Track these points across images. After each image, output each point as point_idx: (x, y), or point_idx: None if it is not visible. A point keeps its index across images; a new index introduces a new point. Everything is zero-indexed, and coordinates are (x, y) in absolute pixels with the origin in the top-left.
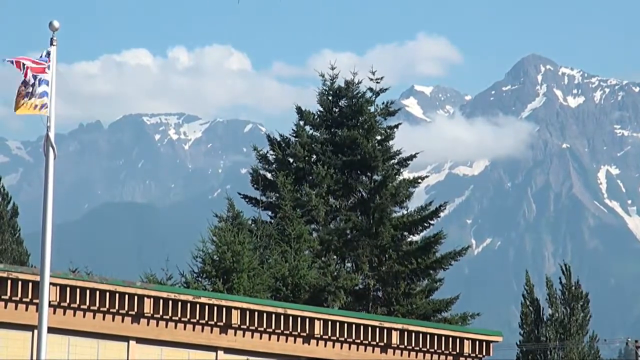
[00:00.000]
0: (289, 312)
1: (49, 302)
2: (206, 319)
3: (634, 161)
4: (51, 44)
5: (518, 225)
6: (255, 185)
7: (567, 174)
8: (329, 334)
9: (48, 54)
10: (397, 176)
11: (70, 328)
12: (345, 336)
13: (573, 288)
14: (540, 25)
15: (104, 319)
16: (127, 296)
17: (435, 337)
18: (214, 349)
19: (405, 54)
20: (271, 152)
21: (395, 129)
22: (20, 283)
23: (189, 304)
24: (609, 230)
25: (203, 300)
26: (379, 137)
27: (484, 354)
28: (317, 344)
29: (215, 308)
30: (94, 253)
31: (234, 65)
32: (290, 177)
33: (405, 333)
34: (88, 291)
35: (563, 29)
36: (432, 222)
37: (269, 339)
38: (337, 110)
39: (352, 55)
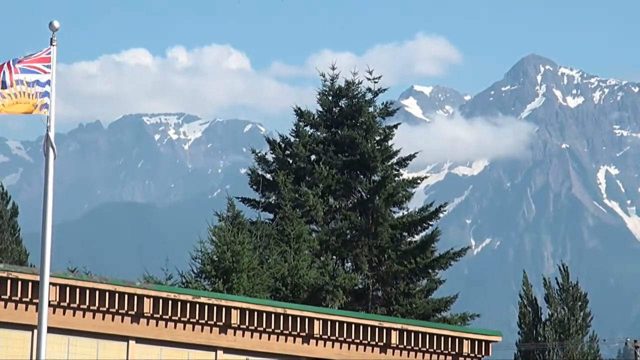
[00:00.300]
0: (289, 312)
1: (49, 301)
2: (206, 318)
3: (633, 161)
4: (51, 44)
5: (517, 225)
6: (254, 187)
7: (566, 174)
8: (329, 334)
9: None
10: (396, 177)
11: (70, 328)
12: (345, 336)
13: (571, 288)
14: (539, 25)
15: (103, 318)
16: (126, 296)
17: (435, 337)
18: (214, 348)
19: (404, 54)
20: (270, 152)
21: (394, 129)
22: (20, 283)
23: (188, 304)
24: (608, 230)
25: (203, 300)
26: (378, 137)
27: (483, 354)
28: (317, 344)
29: (215, 308)
30: (94, 253)
31: (233, 65)
32: (291, 177)
33: (405, 333)
34: (88, 291)
35: (562, 29)
36: (431, 222)
37: (269, 339)
38: (337, 110)
39: (351, 55)
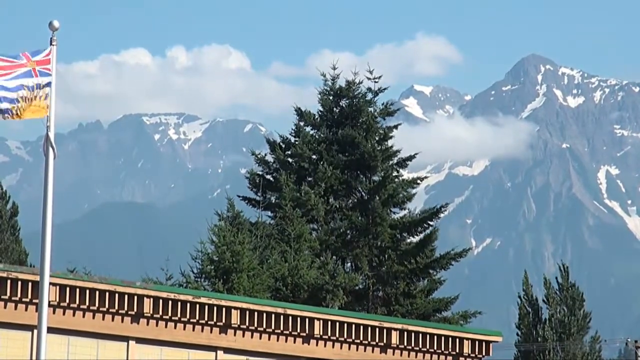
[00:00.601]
0: (289, 312)
1: (49, 302)
2: (206, 319)
3: (633, 161)
4: (51, 43)
5: (518, 225)
6: (254, 190)
7: (567, 174)
8: (329, 334)
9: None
10: (396, 177)
11: (70, 328)
12: (345, 336)
13: (570, 288)
14: (540, 25)
15: (103, 318)
16: (126, 296)
17: (435, 337)
18: (214, 349)
19: (404, 54)
20: (270, 153)
21: (394, 129)
22: (20, 283)
23: (188, 304)
24: (608, 230)
25: (203, 300)
26: (378, 137)
27: (483, 354)
28: (317, 344)
29: (215, 308)
30: (94, 253)
31: (233, 65)
32: (292, 177)
33: (405, 333)
34: (88, 291)
35: (563, 29)
36: (431, 222)
37: (269, 339)
38: (337, 110)
39: (351, 55)
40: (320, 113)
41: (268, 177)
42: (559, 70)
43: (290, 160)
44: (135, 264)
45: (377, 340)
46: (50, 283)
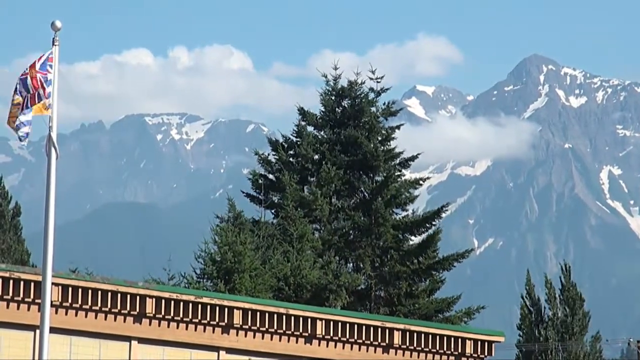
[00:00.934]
0: (291, 312)
1: (51, 302)
2: (208, 319)
3: (636, 161)
4: (53, 44)
5: (520, 225)
6: (257, 190)
7: (569, 174)
8: (331, 334)
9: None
10: (398, 177)
11: (72, 328)
12: (347, 336)
13: (571, 288)
14: (542, 25)
15: (105, 319)
16: (129, 296)
17: (437, 337)
18: (216, 349)
19: (405, 54)
20: (273, 153)
21: (397, 129)
22: (22, 283)
23: (190, 304)
24: (611, 230)
25: (205, 300)
26: (380, 137)
27: (485, 354)
28: (319, 344)
29: (217, 308)
30: (96, 253)
31: (235, 65)
32: (295, 177)
33: (407, 333)
34: (90, 291)
35: (565, 29)
36: (434, 222)
37: (271, 339)
38: (339, 110)
39: (352, 55)
40: (322, 113)
41: (270, 177)
42: (561, 71)
43: (292, 160)
44: (137, 264)
45: (379, 341)
46: (53, 283)
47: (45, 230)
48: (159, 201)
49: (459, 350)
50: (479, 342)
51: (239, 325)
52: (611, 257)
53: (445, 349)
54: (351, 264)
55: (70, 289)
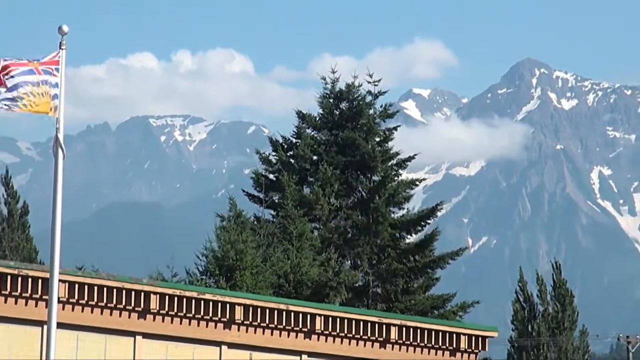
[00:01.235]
0: (291, 308)
1: (58, 298)
2: (210, 314)
3: (625, 162)
4: (60, 47)
5: (513, 224)
6: (258, 189)
7: (560, 175)
8: (330, 330)
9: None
10: (395, 177)
11: (79, 323)
12: (346, 331)
13: (561, 284)
14: (535, 30)
15: (111, 314)
16: (134, 293)
17: (433, 332)
18: (218, 343)
19: (403, 58)
20: (274, 154)
21: (394, 131)
22: (30, 280)
23: (193, 300)
24: (601, 229)
25: (207, 296)
26: (378, 139)
27: (479, 349)
28: (318, 339)
29: (220, 304)
30: (102, 251)
31: (237, 68)
32: (295, 177)
33: (404, 329)
34: (96, 288)
35: (557, 33)
36: (429, 221)
37: (272, 335)
38: (338, 112)
39: (350, 58)
40: (321, 115)
41: (271, 176)
42: (553, 74)
43: (292, 161)
44: (141, 262)
45: (376, 336)
46: (60, 280)
47: (52, 229)
48: (163, 201)
49: (454, 345)
50: (474, 337)
51: (240, 321)
52: (602, 255)
53: (440, 343)
54: (349, 262)
55: (76, 285)
